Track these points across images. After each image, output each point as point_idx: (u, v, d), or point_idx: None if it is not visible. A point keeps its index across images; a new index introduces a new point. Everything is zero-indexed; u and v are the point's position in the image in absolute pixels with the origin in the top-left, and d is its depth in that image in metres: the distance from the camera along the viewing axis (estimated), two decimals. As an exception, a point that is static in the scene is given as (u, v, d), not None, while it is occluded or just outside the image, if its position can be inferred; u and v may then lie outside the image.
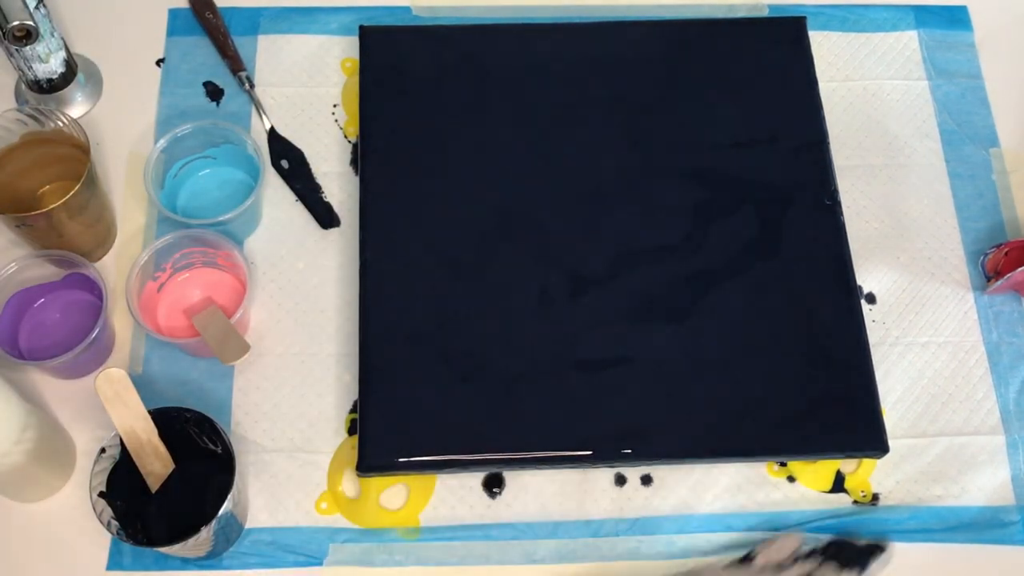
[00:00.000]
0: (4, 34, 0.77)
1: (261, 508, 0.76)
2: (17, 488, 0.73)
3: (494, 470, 0.77)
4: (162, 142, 0.81)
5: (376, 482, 0.77)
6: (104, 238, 0.83)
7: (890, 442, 0.76)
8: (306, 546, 0.75)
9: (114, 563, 0.74)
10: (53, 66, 0.84)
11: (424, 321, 0.78)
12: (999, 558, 0.77)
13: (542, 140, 0.84)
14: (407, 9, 0.93)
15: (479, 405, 0.75)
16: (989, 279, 0.84)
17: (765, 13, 0.95)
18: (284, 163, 0.87)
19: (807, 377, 0.77)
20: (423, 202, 0.81)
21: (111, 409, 0.69)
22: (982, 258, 0.85)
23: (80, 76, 0.87)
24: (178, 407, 0.70)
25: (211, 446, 0.72)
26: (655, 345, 0.77)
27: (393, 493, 0.77)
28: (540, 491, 0.77)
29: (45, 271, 0.79)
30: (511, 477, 0.78)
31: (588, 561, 0.75)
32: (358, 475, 0.74)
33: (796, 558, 0.72)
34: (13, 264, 0.76)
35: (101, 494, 0.68)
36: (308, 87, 0.90)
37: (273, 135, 0.88)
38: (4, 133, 0.77)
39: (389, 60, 0.86)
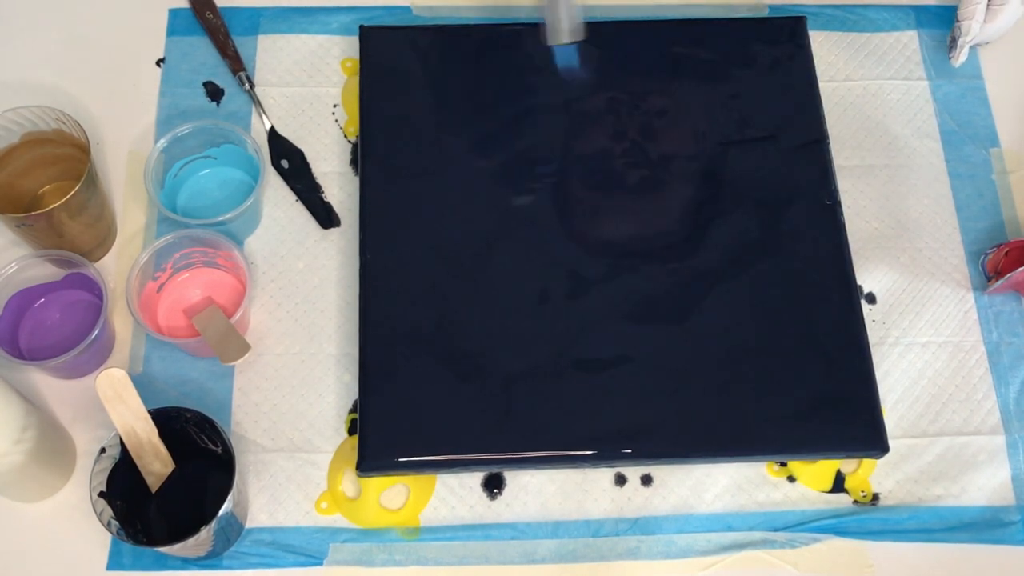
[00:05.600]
0: None
1: (261, 508, 0.76)
2: (17, 488, 0.73)
3: (494, 470, 0.77)
4: (162, 142, 0.81)
5: (376, 482, 0.77)
6: (104, 238, 0.83)
7: (890, 442, 0.76)
8: (306, 546, 0.75)
9: (114, 563, 0.74)
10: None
11: (424, 321, 0.77)
12: (999, 558, 0.77)
13: (542, 140, 0.84)
14: (407, 9, 0.93)
15: (479, 405, 0.75)
16: (989, 279, 0.84)
17: (765, 13, 0.95)
18: (284, 163, 0.87)
19: (807, 377, 0.77)
20: (423, 202, 0.81)
21: (111, 409, 0.69)
22: (982, 258, 0.85)
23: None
24: (178, 407, 0.70)
25: (211, 446, 0.72)
26: (655, 345, 0.77)
27: (393, 493, 0.77)
28: (540, 491, 0.77)
29: (45, 271, 0.79)
30: (511, 477, 0.78)
31: (588, 561, 0.75)
32: (358, 475, 0.74)
33: None
34: (13, 264, 0.76)
35: (101, 494, 0.68)
36: (308, 87, 0.90)
37: (273, 135, 0.88)
38: (4, 133, 0.77)
39: (389, 60, 0.86)
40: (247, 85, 0.89)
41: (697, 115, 0.85)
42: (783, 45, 0.88)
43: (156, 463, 0.71)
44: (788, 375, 0.77)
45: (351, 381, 0.80)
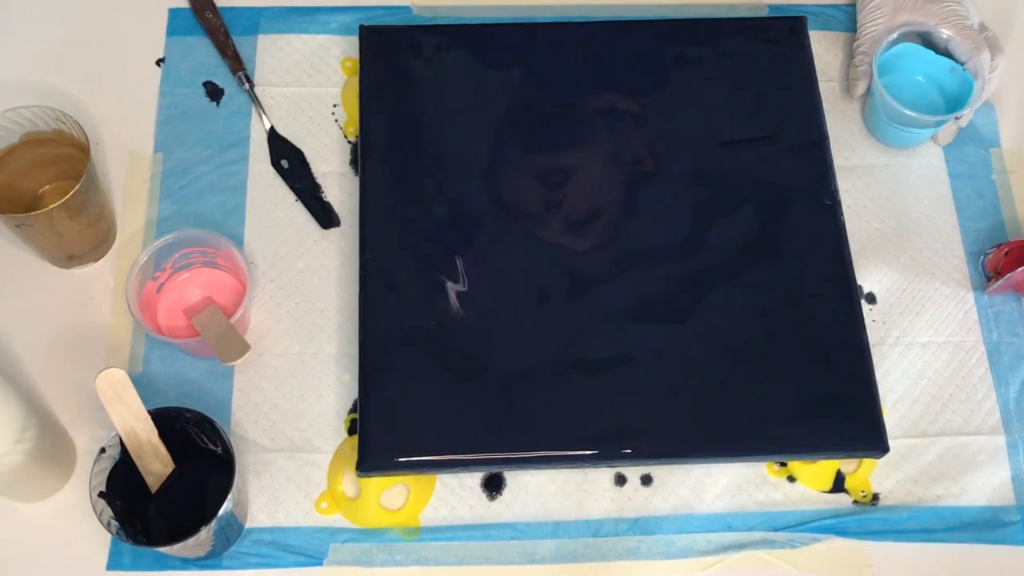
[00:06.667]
0: None
1: (261, 508, 0.76)
2: (17, 488, 0.73)
3: (494, 470, 0.77)
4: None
5: (376, 482, 0.77)
6: (104, 238, 0.83)
7: (890, 442, 0.76)
8: (306, 546, 0.75)
9: (114, 563, 0.74)
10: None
11: (424, 321, 0.77)
12: (999, 558, 0.77)
13: (542, 140, 0.84)
14: (407, 9, 0.93)
15: (479, 405, 0.75)
16: (989, 279, 0.84)
17: (765, 13, 0.95)
18: (284, 163, 0.87)
19: (807, 377, 0.77)
20: (423, 202, 0.81)
21: (111, 409, 0.69)
22: (982, 258, 0.85)
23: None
24: (178, 407, 0.70)
25: (211, 446, 0.72)
26: (655, 345, 0.77)
27: (393, 493, 0.77)
28: (540, 491, 0.77)
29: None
30: (511, 477, 0.78)
31: (588, 561, 0.75)
32: (358, 475, 0.74)
33: None
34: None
35: (101, 494, 0.68)
36: (308, 87, 0.90)
37: (273, 135, 0.88)
38: (4, 133, 0.77)
39: (389, 60, 0.86)
40: (247, 85, 0.88)
41: (697, 115, 0.85)
42: (783, 45, 0.88)
43: (156, 463, 0.71)
44: (788, 375, 0.77)
45: (351, 381, 0.80)
